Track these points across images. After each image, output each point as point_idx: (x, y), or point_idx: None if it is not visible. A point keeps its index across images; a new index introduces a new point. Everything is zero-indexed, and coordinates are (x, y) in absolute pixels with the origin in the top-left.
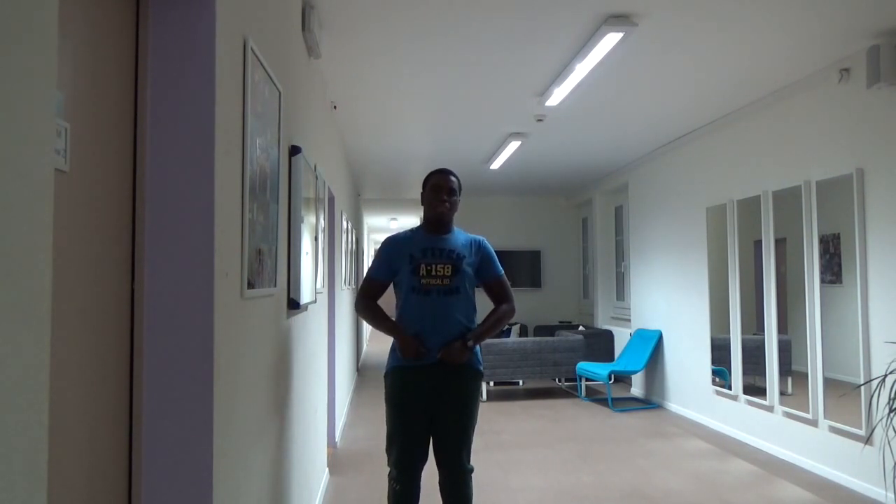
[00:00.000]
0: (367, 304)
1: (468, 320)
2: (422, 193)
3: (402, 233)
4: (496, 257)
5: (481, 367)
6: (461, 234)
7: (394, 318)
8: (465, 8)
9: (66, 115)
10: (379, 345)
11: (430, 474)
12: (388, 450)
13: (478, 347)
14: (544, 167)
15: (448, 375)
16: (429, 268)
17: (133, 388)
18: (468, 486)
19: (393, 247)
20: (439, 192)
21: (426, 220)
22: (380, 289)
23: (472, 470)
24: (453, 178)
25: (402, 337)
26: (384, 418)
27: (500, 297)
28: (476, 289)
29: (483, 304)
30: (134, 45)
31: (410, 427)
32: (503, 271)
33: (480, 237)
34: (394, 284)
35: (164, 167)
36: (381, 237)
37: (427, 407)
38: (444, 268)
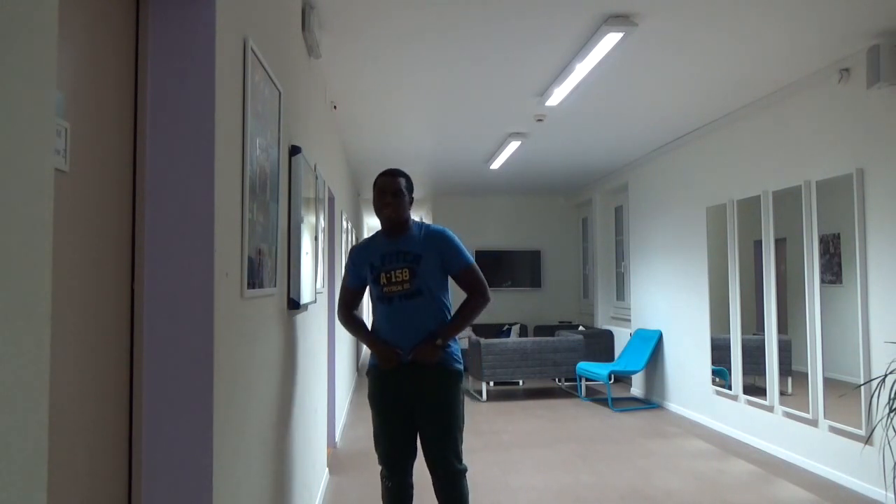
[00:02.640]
0: (345, 316)
1: (438, 320)
2: (372, 201)
3: (364, 240)
4: (462, 247)
5: (459, 367)
6: (420, 228)
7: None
8: (464, 8)
9: (66, 115)
10: None
11: (425, 473)
12: (376, 449)
13: (457, 346)
14: (544, 167)
15: (424, 377)
16: (388, 275)
17: (133, 388)
18: (459, 487)
19: (355, 256)
20: (383, 195)
21: (381, 225)
22: (354, 296)
23: (464, 470)
24: (399, 179)
25: (377, 346)
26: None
27: (469, 287)
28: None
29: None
30: (134, 45)
31: (391, 427)
32: (472, 260)
33: (442, 228)
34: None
35: (164, 167)
36: None
37: (406, 409)
38: (401, 272)
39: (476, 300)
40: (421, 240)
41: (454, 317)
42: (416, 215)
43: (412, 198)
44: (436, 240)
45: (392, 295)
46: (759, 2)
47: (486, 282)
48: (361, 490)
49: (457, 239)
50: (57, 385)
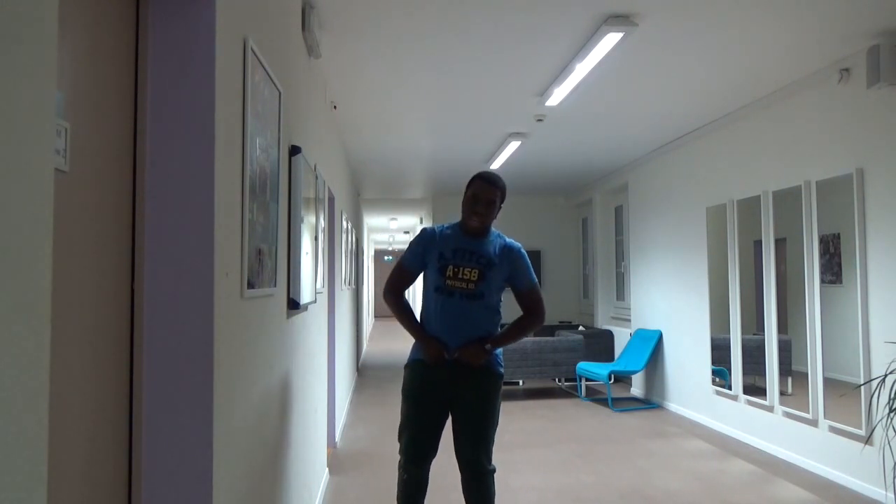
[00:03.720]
0: (396, 300)
1: (489, 326)
2: (464, 194)
3: (440, 227)
4: (530, 265)
5: (501, 370)
6: (498, 238)
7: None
8: (464, 8)
9: (66, 115)
10: (379, 345)
11: (437, 471)
12: (399, 438)
13: (499, 350)
14: (544, 167)
15: (465, 375)
16: (456, 270)
17: (133, 388)
18: (489, 486)
19: (428, 240)
20: (476, 202)
21: (463, 221)
22: (410, 278)
23: (493, 471)
24: (496, 190)
25: (425, 341)
26: (384, 418)
27: (529, 306)
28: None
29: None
30: (134, 45)
31: (422, 420)
32: (536, 280)
33: (517, 244)
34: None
35: (164, 167)
36: (382, 237)
37: (441, 403)
38: (471, 272)
39: (532, 319)
40: (497, 249)
41: (508, 328)
42: (415, 216)
43: (500, 207)
44: (511, 253)
45: (454, 290)
46: (758, 2)
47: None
48: (361, 490)
49: (526, 255)
50: (57, 385)
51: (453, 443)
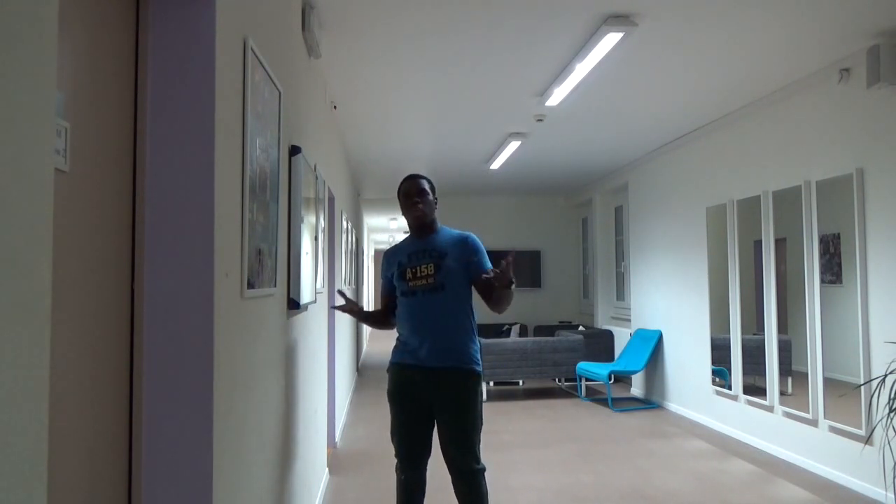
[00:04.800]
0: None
1: (460, 316)
2: (400, 205)
3: (396, 244)
4: (485, 253)
5: (478, 368)
6: (448, 231)
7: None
8: (465, 8)
9: (66, 115)
10: (379, 345)
11: (438, 471)
12: (392, 441)
13: (477, 348)
14: (544, 167)
15: (442, 377)
16: (414, 270)
17: (133, 388)
18: (478, 486)
19: (387, 258)
20: (410, 196)
21: (410, 227)
22: (387, 299)
23: (482, 470)
24: (421, 181)
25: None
26: (384, 418)
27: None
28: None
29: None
30: (134, 45)
31: (408, 422)
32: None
33: (467, 233)
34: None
35: (164, 167)
36: (382, 237)
37: (423, 406)
38: (427, 267)
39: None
40: (447, 240)
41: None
42: None
43: (436, 198)
44: (464, 240)
45: (416, 289)
46: (759, 2)
47: None
48: (361, 490)
49: (481, 243)
50: (57, 385)
51: (439, 446)
